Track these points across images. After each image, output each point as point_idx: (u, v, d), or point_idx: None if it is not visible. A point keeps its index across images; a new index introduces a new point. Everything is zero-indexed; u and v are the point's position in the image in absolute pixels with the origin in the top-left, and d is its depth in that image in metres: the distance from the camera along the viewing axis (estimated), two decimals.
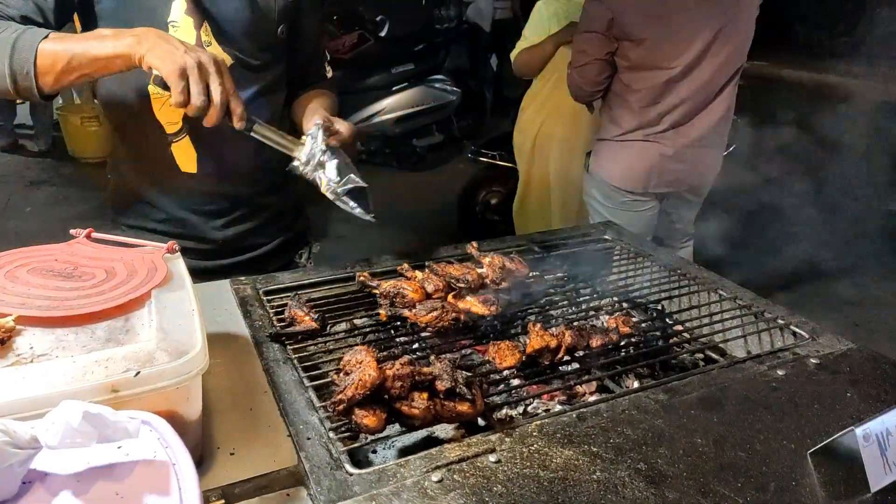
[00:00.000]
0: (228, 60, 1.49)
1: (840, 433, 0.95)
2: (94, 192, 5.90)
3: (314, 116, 1.48)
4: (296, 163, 1.42)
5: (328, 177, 1.40)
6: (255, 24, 1.51)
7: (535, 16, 3.39)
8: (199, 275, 1.44)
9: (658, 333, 1.39)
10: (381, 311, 1.33)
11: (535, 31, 3.36)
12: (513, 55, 3.48)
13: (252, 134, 1.34)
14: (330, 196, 1.41)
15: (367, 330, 1.33)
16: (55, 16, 1.37)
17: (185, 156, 1.55)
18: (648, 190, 2.70)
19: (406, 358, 1.04)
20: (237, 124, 1.29)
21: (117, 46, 1.21)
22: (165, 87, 1.21)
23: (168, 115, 1.50)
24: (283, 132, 1.41)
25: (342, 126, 1.49)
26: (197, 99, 1.20)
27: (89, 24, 1.43)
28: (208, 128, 1.46)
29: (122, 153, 1.64)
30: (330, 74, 1.83)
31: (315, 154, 1.40)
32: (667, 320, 1.44)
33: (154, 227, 1.62)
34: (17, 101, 7.12)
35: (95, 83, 1.49)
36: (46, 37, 1.23)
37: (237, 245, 1.70)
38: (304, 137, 1.43)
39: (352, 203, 1.42)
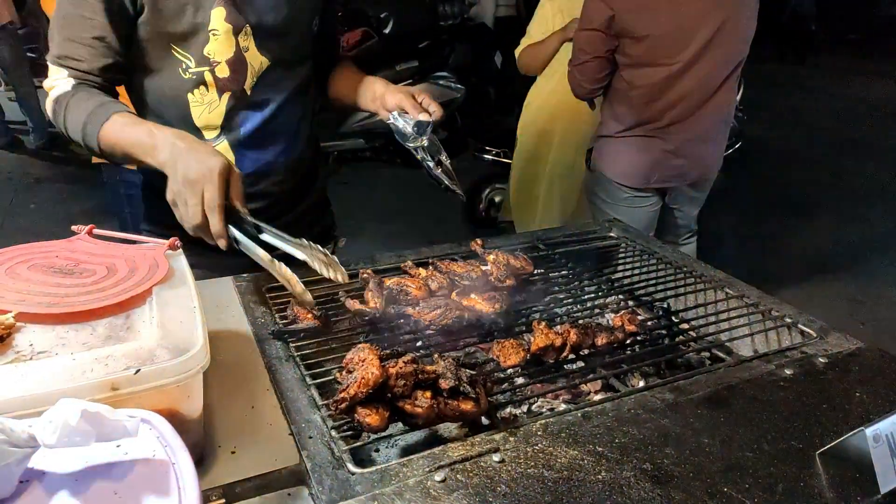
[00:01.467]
0: (266, 63, 1.52)
1: (849, 434, 0.94)
2: (98, 189, 5.90)
3: (397, 97, 1.58)
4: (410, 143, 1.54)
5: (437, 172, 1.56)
6: (293, 22, 1.53)
7: (539, 13, 3.38)
8: (224, 271, 1.48)
9: (664, 332, 1.37)
10: (368, 296, 1.32)
11: (540, 27, 3.35)
12: (517, 52, 3.47)
13: (240, 248, 1.30)
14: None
15: (368, 327, 1.32)
16: (122, 47, 1.41)
17: None
18: (650, 185, 2.69)
19: (409, 356, 1.03)
20: (219, 243, 1.27)
21: (149, 144, 1.29)
22: None
23: (206, 120, 1.52)
24: (287, 237, 1.34)
25: (428, 100, 1.58)
26: (186, 224, 1.26)
27: (132, 38, 1.45)
28: (246, 132, 1.57)
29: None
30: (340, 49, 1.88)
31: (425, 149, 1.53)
32: (673, 318, 1.43)
33: (181, 227, 1.62)
34: (10, 99, 7.17)
35: (131, 87, 1.53)
36: (108, 119, 1.33)
37: (266, 243, 1.70)
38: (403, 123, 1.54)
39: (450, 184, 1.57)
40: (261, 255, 1.27)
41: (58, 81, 1.38)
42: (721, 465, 0.93)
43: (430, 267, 1.46)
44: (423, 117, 1.51)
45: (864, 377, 1.16)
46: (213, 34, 1.43)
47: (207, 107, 1.50)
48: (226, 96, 1.50)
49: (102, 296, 0.92)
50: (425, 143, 1.53)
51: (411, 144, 1.53)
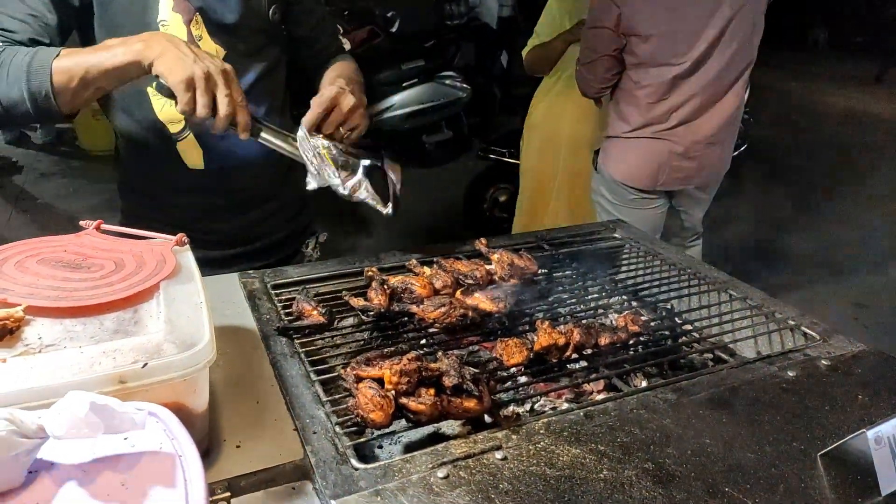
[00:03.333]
0: (221, 52, 1.50)
1: (851, 435, 0.94)
2: (105, 184, 5.92)
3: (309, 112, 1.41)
4: (309, 186, 1.40)
5: (333, 183, 1.39)
6: (246, 10, 1.50)
7: (546, 13, 3.38)
8: (202, 264, 1.45)
9: (667, 333, 1.38)
10: (372, 294, 1.32)
11: (547, 28, 3.35)
12: (524, 52, 3.47)
13: (259, 141, 1.35)
14: (346, 197, 1.42)
15: (373, 325, 1.32)
16: (59, 32, 1.37)
17: (191, 153, 1.56)
18: (657, 187, 2.68)
19: (413, 353, 1.04)
20: (242, 135, 1.30)
21: (127, 54, 1.20)
22: (170, 95, 1.22)
23: (170, 114, 1.51)
24: (293, 137, 1.39)
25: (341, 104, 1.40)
26: (202, 110, 1.21)
27: (87, 35, 1.43)
28: (208, 123, 1.49)
29: (127, 153, 1.64)
30: (348, 47, 1.82)
31: (315, 165, 1.38)
32: (676, 319, 1.43)
33: (161, 220, 1.61)
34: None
35: None
36: (58, 55, 1.23)
37: (243, 236, 1.71)
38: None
39: (368, 199, 1.42)
40: (284, 140, 1.34)
41: None
42: (723, 466, 0.94)
43: (435, 265, 1.47)
44: (304, 119, 1.39)
45: (866, 380, 1.16)
46: (163, 24, 1.42)
47: (168, 100, 1.47)
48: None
49: (110, 290, 0.93)
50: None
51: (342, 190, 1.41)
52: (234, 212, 1.67)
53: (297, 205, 1.84)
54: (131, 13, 1.40)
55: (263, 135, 1.35)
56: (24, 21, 1.32)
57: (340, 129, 1.43)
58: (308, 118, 1.38)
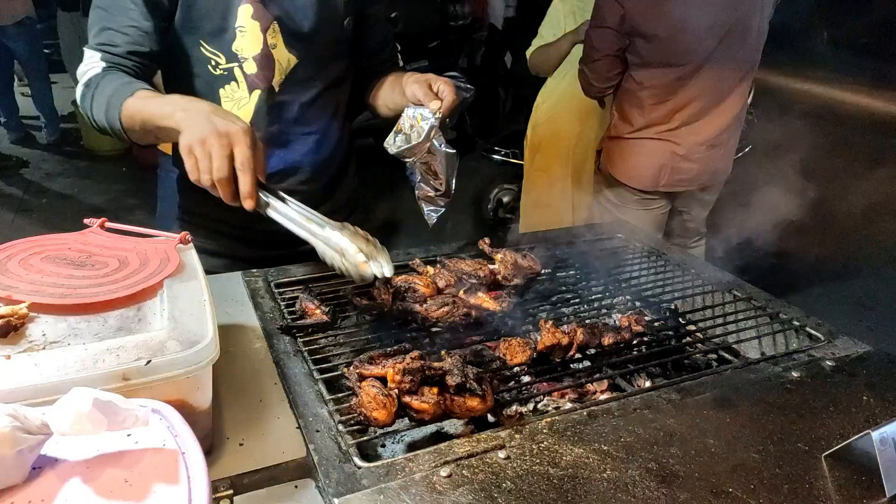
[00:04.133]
0: (294, 60, 1.52)
1: (856, 436, 0.94)
2: (110, 184, 5.95)
3: (413, 86, 1.44)
4: (394, 148, 1.40)
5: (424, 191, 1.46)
6: (324, 21, 1.53)
7: (551, 14, 3.38)
8: (249, 264, 1.52)
9: (671, 333, 1.37)
10: (375, 293, 1.32)
11: (551, 28, 3.35)
12: (528, 53, 3.47)
13: (268, 212, 1.24)
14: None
15: (376, 324, 1.32)
16: (157, 37, 1.42)
17: None
18: (659, 189, 2.68)
19: (416, 352, 1.04)
20: (245, 203, 1.19)
21: (170, 119, 1.22)
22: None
23: None
24: (314, 213, 1.28)
25: (444, 86, 1.43)
26: (204, 178, 1.17)
27: (167, 35, 1.46)
28: (276, 130, 1.55)
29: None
30: (401, 64, 1.83)
31: (416, 157, 1.40)
32: (680, 320, 1.42)
33: (218, 218, 1.62)
34: (24, 94, 7.19)
35: (167, 83, 1.55)
36: (133, 94, 1.29)
37: (290, 240, 1.70)
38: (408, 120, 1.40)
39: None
40: (295, 217, 1.22)
41: (90, 65, 1.38)
42: (726, 466, 0.93)
43: (438, 265, 1.47)
44: (434, 105, 1.38)
45: (871, 381, 1.16)
46: (241, 31, 1.45)
47: (237, 103, 1.52)
48: (255, 93, 1.51)
49: (114, 288, 0.93)
50: (421, 138, 1.38)
51: (395, 151, 1.41)
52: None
53: (348, 208, 1.86)
54: (211, 17, 1.43)
55: (270, 211, 1.23)
56: (126, 34, 1.38)
57: (447, 120, 1.45)
58: (447, 105, 1.40)
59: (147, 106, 1.28)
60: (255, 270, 1.47)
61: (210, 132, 1.14)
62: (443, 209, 1.48)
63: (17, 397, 0.72)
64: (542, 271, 1.51)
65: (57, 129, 7.03)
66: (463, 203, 5.03)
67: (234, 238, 1.65)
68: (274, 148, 1.58)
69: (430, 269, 1.45)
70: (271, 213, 1.23)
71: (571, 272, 1.60)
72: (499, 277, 1.43)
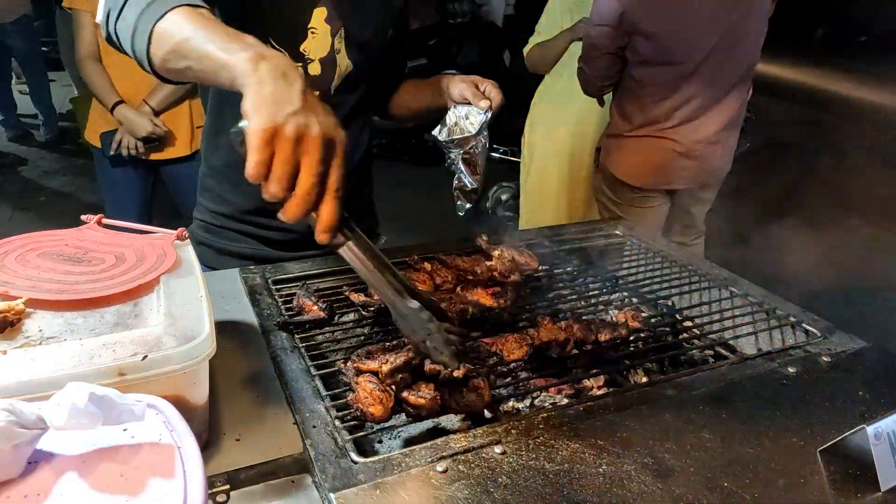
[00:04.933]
0: (350, 67, 1.54)
1: (851, 431, 0.94)
2: None
3: (461, 85, 1.49)
4: (444, 136, 1.47)
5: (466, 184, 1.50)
6: (378, 29, 1.57)
7: (547, 11, 3.37)
8: (264, 264, 1.50)
9: (668, 329, 1.38)
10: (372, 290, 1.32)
11: (548, 26, 3.35)
12: (525, 50, 3.47)
13: (339, 252, 0.97)
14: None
15: (373, 320, 1.32)
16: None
17: None
18: (658, 186, 2.68)
19: (407, 351, 1.04)
20: (320, 237, 0.91)
21: (228, 55, 0.90)
22: (243, 146, 0.84)
23: None
24: (396, 274, 1.02)
25: (490, 87, 1.48)
26: (275, 186, 0.83)
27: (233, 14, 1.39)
28: None
29: (219, 152, 1.64)
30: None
31: (473, 147, 1.47)
32: (677, 316, 1.43)
33: (239, 220, 1.64)
34: (22, 92, 7.17)
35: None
36: (171, 9, 0.99)
37: (314, 243, 1.70)
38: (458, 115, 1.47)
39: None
40: (370, 267, 0.98)
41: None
42: (722, 461, 0.94)
43: (436, 261, 1.47)
44: (483, 104, 1.45)
45: (867, 376, 1.16)
46: (312, 32, 1.46)
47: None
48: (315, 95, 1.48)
49: (111, 284, 0.93)
50: (473, 131, 1.45)
51: (445, 140, 1.49)
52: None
53: (365, 210, 1.88)
54: (284, 15, 1.42)
55: (346, 251, 0.97)
56: None
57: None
58: (497, 102, 1.45)
59: (203, 29, 0.95)
60: (252, 267, 1.47)
61: (310, 128, 0.83)
62: (471, 204, 1.54)
63: (13, 392, 0.72)
64: (540, 268, 1.51)
65: (55, 126, 7.02)
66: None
67: (258, 239, 1.65)
68: None
69: (427, 265, 1.45)
70: (345, 254, 0.97)
71: (569, 268, 1.60)
72: (496, 274, 1.43)
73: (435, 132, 1.50)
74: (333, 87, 1.55)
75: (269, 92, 0.84)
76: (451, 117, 1.48)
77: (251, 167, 0.82)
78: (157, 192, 3.27)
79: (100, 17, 1.10)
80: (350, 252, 0.97)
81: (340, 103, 1.57)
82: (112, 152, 2.96)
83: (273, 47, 1.24)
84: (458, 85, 1.50)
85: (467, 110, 1.47)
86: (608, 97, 2.84)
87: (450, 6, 6.97)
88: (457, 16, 7.06)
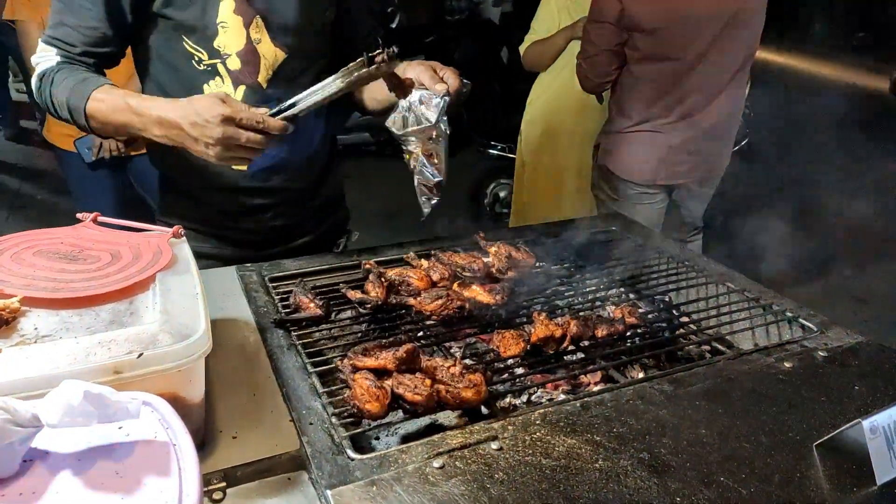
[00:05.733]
0: (282, 55, 1.51)
1: (847, 425, 0.94)
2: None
3: (418, 69, 1.42)
4: (398, 127, 1.41)
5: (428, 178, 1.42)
6: (308, 13, 1.51)
7: (543, 8, 3.35)
8: (235, 263, 1.49)
9: (664, 325, 1.38)
10: (369, 287, 1.32)
11: (545, 24, 3.32)
12: (522, 49, 3.44)
13: (301, 116, 1.30)
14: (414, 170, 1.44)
15: (370, 317, 1.32)
16: (118, 42, 1.43)
17: None
18: (657, 182, 2.68)
19: (409, 345, 1.04)
20: (287, 132, 1.27)
21: (142, 128, 1.31)
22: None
23: None
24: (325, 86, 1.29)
25: (449, 72, 1.43)
26: (245, 161, 1.29)
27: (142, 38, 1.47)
28: None
29: (168, 150, 1.64)
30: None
31: (425, 130, 1.38)
32: (673, 311, 1.43)
33: (197, 218, 1.62)
34: (19, 90, 7.15)
35: (151, 80, 1.53)
36: (93, 92, 1.32)
37: (279, 236, 1.71)
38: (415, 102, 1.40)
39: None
40: (317, 94, 1.27)
41: (44, 57, 1.39)
42: (718, 456, 0.94)
43: (433, 258, 1.47)
44: (440, 88, 1.37)
45: (863, 371, 1.16)
46: (222, 26, 1.43)
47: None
48: (241, 89, 1.49)
49: (106, 282, 0.93)
50: (433, 119, 1.38)
51: (400, 131, 1.42)
52: (272, 212, 1.66)
53: (333, 205, 1.85)
54: (192, 13, 1.41)
55: (299, 115, 1.29)
56: (83, 34, 1.38)
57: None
58: (454, 86, 1.39)
59: (111, 111, 1.32)
60: (249, 265, 1.47)
61: (220, 137, 1.20)
62: (437, 198, 1.46)
63: (8, 390, 0.72)
64: (537, 264, 1.51)
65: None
66: (459, 197, 5.02)
67: (218, 238, 1.64)
68: None
69: (424, 262, 1.45)
70: (301, 115, 1.29)
71: (565, 265, 1.60)
72: (493, 270, 1.43)
73: (389, 123, 1.42)
74: (263, 79, 1.51)
75: (198, 136, 1.23)
76: (403, 103, 1.40)
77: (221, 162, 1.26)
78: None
79: (33, 88, 1.41)
80: (301, 111, 1.28)
81: (277, 96, 1.47)
82: (94, 158, 2.92)
83: (190, 46, 1.43)
84: (414, 69, 1.43)
85: (421, 95, 1.38)
86: (606, 93, 2.83)
87: (447, 3, 6.96)
88: (454, 13, 7.05)
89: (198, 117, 1.21)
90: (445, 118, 1.38)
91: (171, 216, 1.63)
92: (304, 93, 1.28)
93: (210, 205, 1.62)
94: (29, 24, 2.82)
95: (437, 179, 1.43)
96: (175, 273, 0.99)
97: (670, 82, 2.49)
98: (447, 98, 1.37)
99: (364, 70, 1.26)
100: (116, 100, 1.32)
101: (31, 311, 0.87)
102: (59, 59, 1.38)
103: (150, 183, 3.03)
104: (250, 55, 1.47)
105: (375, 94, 1.62)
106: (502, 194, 4.95)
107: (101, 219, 1.13)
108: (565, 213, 3.55)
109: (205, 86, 1.48)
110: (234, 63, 1.47)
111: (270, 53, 1.50)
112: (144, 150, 2.97)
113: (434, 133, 1.39)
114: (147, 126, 1.29)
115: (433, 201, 1.46)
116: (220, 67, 1.46)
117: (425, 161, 1.42)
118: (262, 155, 1.31)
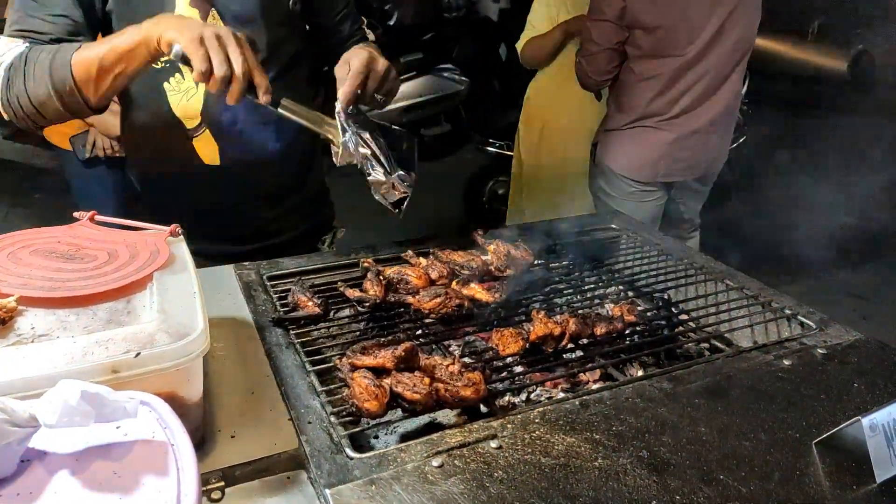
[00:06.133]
0: None
1: (846, 423, 0.94)
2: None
3: (340, 87, 1.35)
4: (336, 158, 1.34)
5: (375, 177, 1.36)
6: (265, 3, 1.48)
7: (538, 3, 3.32)
8: (219, 260, 1.47)
9: (663, 322, 1.38)
10: (367, 285, 1.32)
11: (543, 18, 3.29)
12: (519, 45, 3.41)
13: (279, 110, 1.28)
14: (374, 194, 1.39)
15: (368, 316, 1.32)
16: (89, 31, 1.39)
17: (207, 149, 1.55)
18: (656, 179, 2.68)
19: (408, 343, 1.04)
20: (262, 98, 1.22)
21: (136, 34, 1.21)
22: (185, 61, 1.16)
23: (186, 109, 1.51)
24: (315, 109, 1.33)
25: (347, 70, 1.35)
26: (219, 69, 1.15)
27: (109, 32, 1.42)
28: (228, 120, 1.49)
29: (143, 152, 1.64)
30: (372, 38, 1.77)
31: (352, 147, 1.32)
32: (672, 309, 1.43)
33: (177, 214, 1.59)
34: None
35: None
36: (78, 48, 1.26)
37: (261, 232, 1.70)
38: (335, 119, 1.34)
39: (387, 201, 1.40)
40: (307, 112, 1.28)
41: (10, 49, 1.30)
42: (717, 454, 0.94)
43: (431, 256, 1.46)
44: (339, 93, 1.34)
45: (862, 368, 1.16)
46: None
47: (184, 95, 1.49)
48: (202, 85, 1.42)
49: (103, 281, 0.92)
50: (338, 141, 1.34)
51: (342, 163, 1.36)
52: (251, 208, 1.65)
53: (317, 200, 1.83)
54: (148, 8, 1.39)
55: (284, 102, 1.27)
56: (53, 22, 1.33)
57: (377, 95, 1.39)
58: (345, 92, 1.33)
59: (105, 43, 1.23)
60: (247, 263, 1.46)
61: (220, 31, 1.15)
62: (406, 194, 1.40)
63: (5, 390, 0.72)
64: (535, 262, 1.51)
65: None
66: (457, 195, 5.02)
67: (196, 233, 1.63)
68: (230, 140, 1.53)
69: (422, 260, 1.45)
70: (285, 109, 1.28)
71: (564, 262, 1.60)
72: (491, 268, 1.43)
73: (335, 160, 1.37)
74: None
75: (178, 23, 1.17)
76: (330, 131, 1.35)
77: (197, 66, 1.14)
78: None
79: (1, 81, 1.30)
80: (289, 104, 1.27)
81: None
82: (88, 155, 2.93)
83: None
84: (340, 65, 1.38)
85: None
86: (605, 90, 2.83)
87: (445, 0, 6.94)
88: (452, 10, 7.03)
89: (181, 19, 1.20)
90: (351, 126, 1.33)
91: (150, 213, 1.63)
92: (297, 113, 1.29)
93: (186, 202, 1.61)
94: None
95: (391, 176, 1.36)
96: (172, 272, 0.99)
97: (670, 79, 2.49)
98: (340, 108, 1.33)
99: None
100: (97, 45, 1.25)
101: (27, 311, 0.87)
102: (26, 45, 1.30)
103: None
104: None
105: None
106: (500, 192, 4.94)
107: (98, 217, 1.12)
108: (563, 211, 3.54)
109: (165, 84, 1.47)
110: None
111: None
112: None
113: (352, 143, 1.33)
114: (133, 39, 1.21)
115: (402, 199, 1.40)
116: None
117: (370, 165, 1.36)
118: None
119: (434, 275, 1.37)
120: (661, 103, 2.54)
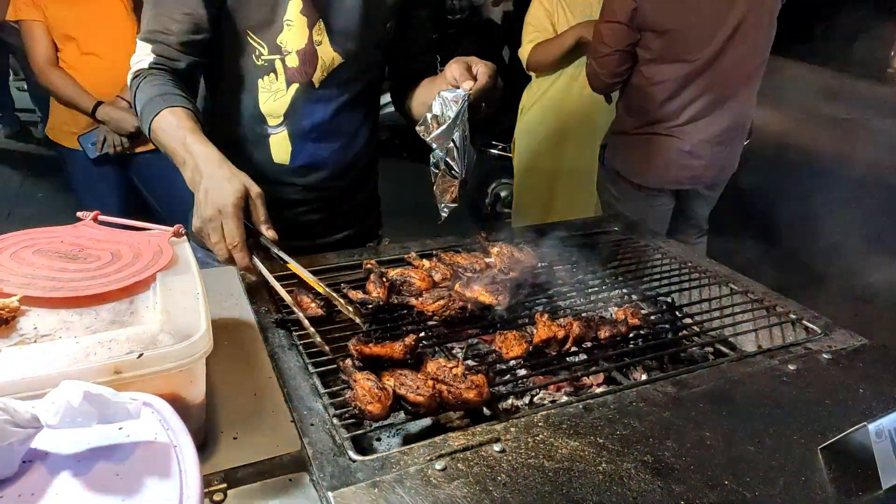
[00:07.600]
0: (339, 59, 1.55)
1: (852, 429, 0.93)
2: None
3: (452, 66, 1.38)
4: (428, 130, 1.36)
5: (448, 171, 1.36)
6: (368, 21, 1.55)
7: (536, 7, 3.24)
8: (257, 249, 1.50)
9: (667, 326, 1.37)
10: (371, 287, 1.32)
11: (543, 21, 3.22)
12: (524, 51, 3.25)
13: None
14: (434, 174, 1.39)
15: (371, 317, 1.31)
16: (210, 26, 1.45)
17: (281, 148, 1.61)
18: (664, 186, 2.66)
19: (412, 336, 1.04)
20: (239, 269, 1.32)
21: (185, 158, 1.32)
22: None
23: (271, 107, 1.57)
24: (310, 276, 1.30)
25: (482, 67, 1.38)
26: (219, 256, 1.27)
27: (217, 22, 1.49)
28: (307, 126, 1.58)
29: (220, 136, 1.64)
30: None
31: (457, 135, 1.33)
32: (676, 313, 1.42)
33: None
34: (19, 88, 7.15)
35: (208, 69, 1.57)
36: (159, 113, 1.36)
37: (313, 230, 1.74)
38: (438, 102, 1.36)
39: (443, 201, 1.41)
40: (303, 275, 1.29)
41: (140, 57, 1.44)
42: (722, 459, 0.93)
43: (434, 258, 1.46)
44: (466, 85, 1.33)
45: (868, 373, 1.15)
46: (288, 24, 1.48)
47: (273, 94, 1.54)
48: (293, 87, 1.54)
49: (107, 281, 0.92)
50: (451, 116, 1.32)
51: (426, 137, 1.37)
52: (305, 207, 1.70)
53: (368, 207, 1.88)
54: (262, 8, 1.46)
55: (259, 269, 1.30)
56: (179, 22, 1.42)
57: (483, 104, 1.40)
58: (480, 83, 1.35)
59: (167, 140, 1.36)
60: None
61: (202, 220, 1.25)
62: (456, 203, 1.42)
63: (7, 391, 0.71)
64: (539, 264, 1.51)
65: None
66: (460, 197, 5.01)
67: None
68: (304, 143, 1.61)
69: (425, 262, 1.45)
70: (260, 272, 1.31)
71: (568, 265, 1.59)
72: (495, 271, 1.42)
73: (418, 129, 1.38)
74: (318, 80, 1.55)
75: (206, 198, 1.24)
76: (435, 106, 1.35)
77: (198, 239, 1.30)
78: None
79: (128, 84, 1.47)
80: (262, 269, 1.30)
81: (328, 97, 1.58)
82: (98, 153, 2.93)
83: (252, 40, 1.47)
84: (450, 66, 1.39)
85: (445, 96, 1.34)
86: (614, 94, 2.81)
87: (448, 3, 6.95)
88: (455, 13, 7.04)
89: (217, 192, 1.24)
90: (465, 118, 1.33)
91: None
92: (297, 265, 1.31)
93: None
94: (32, 24, 2.83)
95: (456, 181, 1.38)
96: (176, 272, 0.98)
97: (681, 84, 2.48)
98: (468, 95, 1.32)
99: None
100: (177, 129, 1.34)
101: (30, 311, 0.87)
102: (152, 57, 1.42)
103: (153, 183, 3.05)
104: (309, 55, 1.52)
105: (425, 97, 1.63)
106: (503, 194, 4.94)
107: (102, 217, 1.12)
108: (567, 215, 3.52)
109: (259, 80, 1.53)
110: (293, 61, 1.51)
111: (328, 56, 1.54)
112: (150, 147, 2.99)
113: (454, 132, 1.34)
114: (186, 163, 1.32)
115: (453, 204, 1.41)
116: (278, 64, 1.51)
117: (447, 164, 1.37)
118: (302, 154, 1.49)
119: (437, 277, 1.37)
120: (669, 109, 2.53)
